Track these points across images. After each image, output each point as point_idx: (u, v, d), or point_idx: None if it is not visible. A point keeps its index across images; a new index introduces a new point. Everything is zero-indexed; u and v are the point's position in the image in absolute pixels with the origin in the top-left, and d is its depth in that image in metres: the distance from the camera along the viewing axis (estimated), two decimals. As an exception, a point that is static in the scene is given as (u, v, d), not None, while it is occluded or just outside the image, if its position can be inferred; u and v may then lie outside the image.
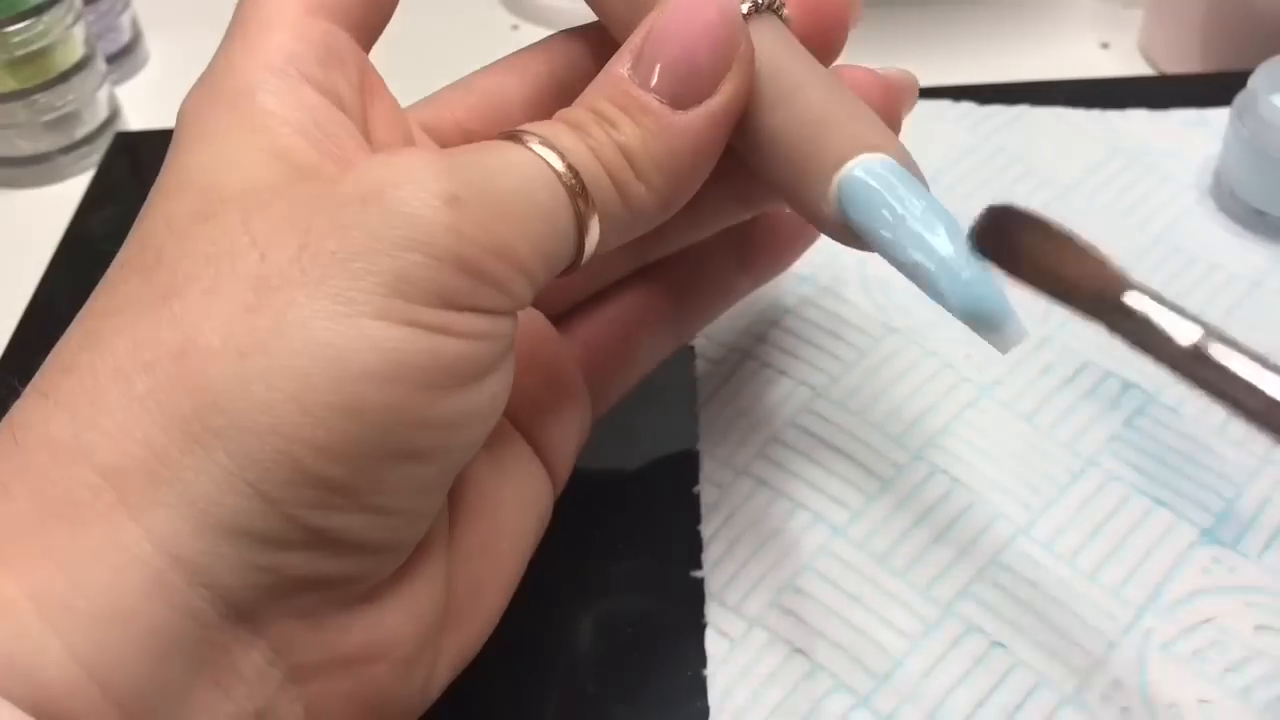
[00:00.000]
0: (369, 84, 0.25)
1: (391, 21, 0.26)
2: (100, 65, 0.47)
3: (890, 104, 0.27)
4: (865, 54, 0.28)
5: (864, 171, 0.23)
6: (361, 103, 0.25)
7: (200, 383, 0.20)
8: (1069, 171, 0.41)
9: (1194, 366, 0.18)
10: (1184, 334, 0.18)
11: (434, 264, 0.21)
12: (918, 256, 0.23)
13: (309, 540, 0.21)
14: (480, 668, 0.27)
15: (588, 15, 0.27)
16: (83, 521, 0.20)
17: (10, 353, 0.39)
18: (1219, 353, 0.18)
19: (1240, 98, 0.39)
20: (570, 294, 0.31)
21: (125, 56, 0.51)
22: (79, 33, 0.46)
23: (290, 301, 0.20)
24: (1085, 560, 0.31)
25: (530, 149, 0.23)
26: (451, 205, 0.21)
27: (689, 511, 0.33)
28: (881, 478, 0.33)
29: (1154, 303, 0.19)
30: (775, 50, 0.25)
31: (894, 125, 0.27)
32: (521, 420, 0.28)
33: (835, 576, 0.31)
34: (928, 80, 0.45)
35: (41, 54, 0.44)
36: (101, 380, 0.20)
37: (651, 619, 0.31)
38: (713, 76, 0.24)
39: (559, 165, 0.23)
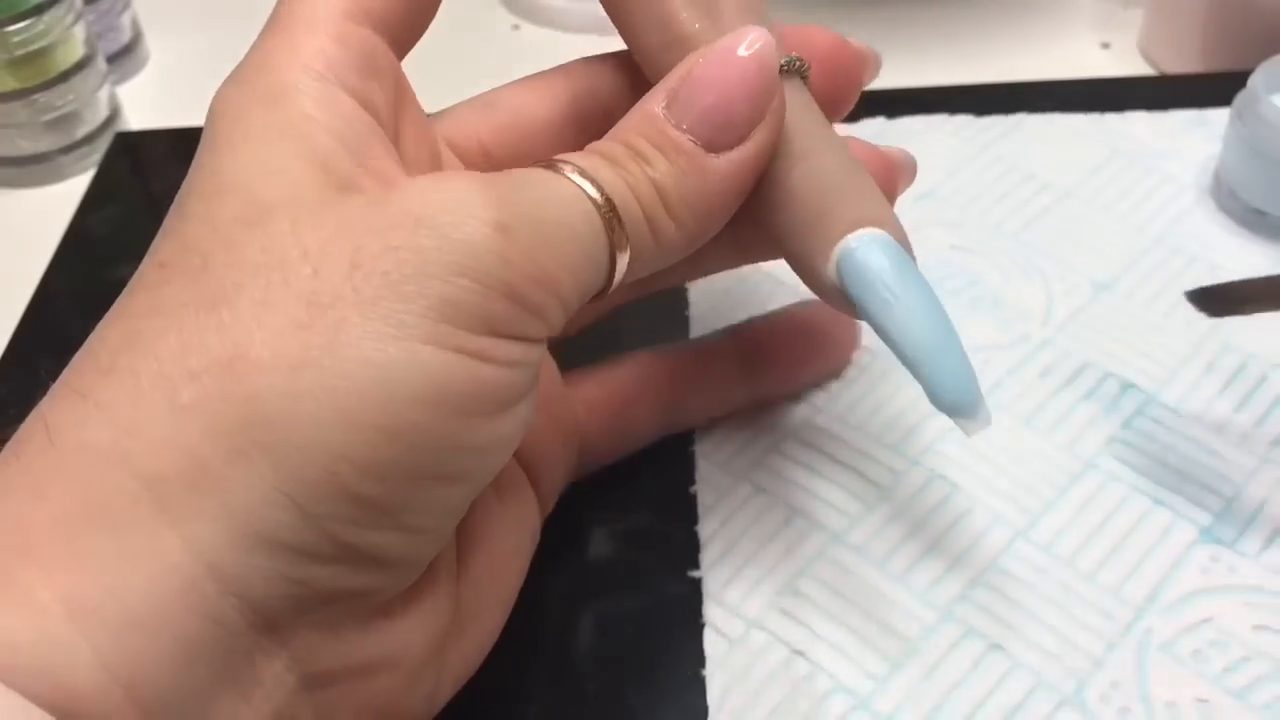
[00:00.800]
0: (402, 96, 0.25)
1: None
2: (100, 65, 0.47)
3: (889, 180, 0.29)
4: (865, 54, 0.28)
5: (863, 249, 0.24)
6: (394, 115, 0.25)
7: (249, 394, 0.20)
8: (1069, 174, 0.41)
9: None
10: None
11: (482, 290, 0.21)
12: (904, 344, 0.25)
13: (340, 555, 0.21)
14: (481, 667, 0.27)
15: (589, 15, 0.27)
16: (119, 528, 0.20)
17: (11, 352, 0.38)
18: None
19: (1240, 98, 0.39)
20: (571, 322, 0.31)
21: (125, 56, 0.51)
22: (79, 32, 0.46)
23: (342, 320, 0.20)
24: (1084, 561, 0.31)
25: (570, 179, 0.23)
26: (501, 233, 0.21)
27: (689, 511, 0.33)
28: (880, 484, 0.33)
29: None
30: (798, 112, 0.25)
31: (889, 200, 0.27)
32: (520, 444, 0.28)
33: (834, 579, 0.31)
34: (927, 80, 0.45)
35: (42, 54, 0.44)
36: (144, 385, 0.20)
37: (651, 619, 0.31)
38: (747, 125, 0.24)
39: (597, 196, 0.23)
